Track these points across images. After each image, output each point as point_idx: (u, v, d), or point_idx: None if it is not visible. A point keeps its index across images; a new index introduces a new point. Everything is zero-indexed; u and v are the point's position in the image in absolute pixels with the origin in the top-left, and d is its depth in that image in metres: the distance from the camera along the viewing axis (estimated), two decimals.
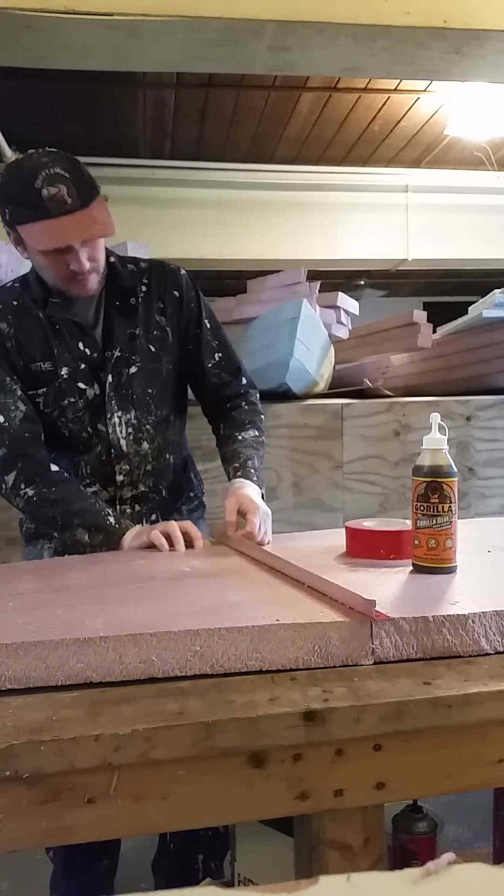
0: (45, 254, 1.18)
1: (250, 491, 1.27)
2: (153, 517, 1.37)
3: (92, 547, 1.23)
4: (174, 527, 1.21)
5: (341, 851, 0.70)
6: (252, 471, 1.32)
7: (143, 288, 1.34)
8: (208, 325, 1.40)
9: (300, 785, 0.67)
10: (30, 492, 1.24)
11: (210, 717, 0.65)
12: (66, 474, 1.29)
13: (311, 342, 1.98)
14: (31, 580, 1.07)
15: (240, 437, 1.37)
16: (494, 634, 0.79)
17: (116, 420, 1.31)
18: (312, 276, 2.25)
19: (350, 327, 2.42)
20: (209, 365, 1.39)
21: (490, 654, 0.78)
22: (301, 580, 0.95)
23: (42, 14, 1.83)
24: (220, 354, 1.40)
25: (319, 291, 2.18)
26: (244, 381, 1.44)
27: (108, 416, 1.30)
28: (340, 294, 2.31)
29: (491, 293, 2.21)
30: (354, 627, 0.76)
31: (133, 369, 1.31)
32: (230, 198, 4.39)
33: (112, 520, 1.24)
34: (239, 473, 1.30)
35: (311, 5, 1.92)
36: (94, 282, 1.24)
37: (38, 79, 2.90)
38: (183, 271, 1.40)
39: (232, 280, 3.93)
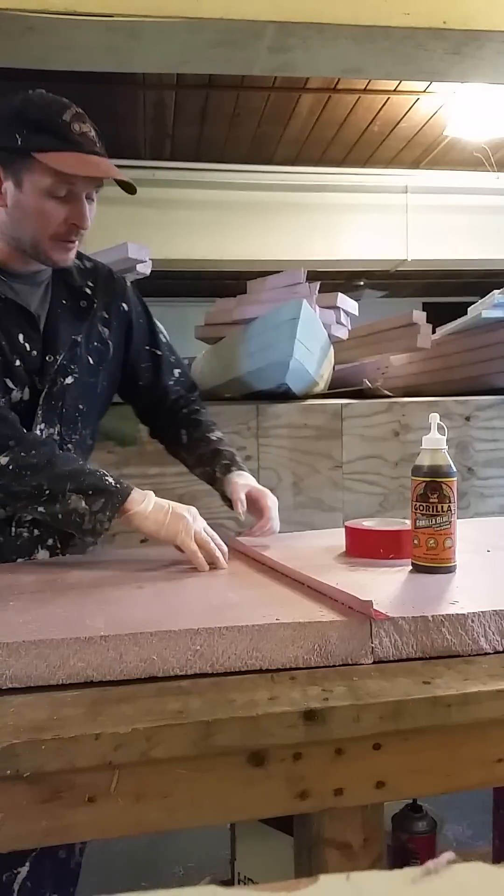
0: (53, 196, 1.05)
1: (253, 480, 1.24)
2: (49, 542, 1.20)
3: (92, 514, 1.02)
4: (211, 545, 1.05)
5: (341, 850, 0.71)
6: (243, 465, 1.27)
7: (88, 291, 1.21)
8: (164, 341, 1.33)
9: (300, 784, 0.68)
10: (3, 460, 1.03)
11: (210, 717, 0.65)
12: (43, 436, 1.13)
13: (311, 342, 1.98)
14: (31, 579, 1.08)
15: (213, 438, 1.31)
16: (494, 634, 0.79)
17: (38, 432, 1.15)
18: (312, 276, 2.25)
19: (350, 328, 2.42)
20: (170, 382, 1.33)
21: (489, 653, 0.79)
22: (300, 580, 0.95)
23: (42, 15, 1.84)
24: (178, 371, 1.35)
25: (319, 292, 2.18)
26: (196, 393, 1.39)
27: (31, 426, 1.14)
28: (340, 295, 2.31)
29: (490, 294, 2.21)
30: (354, 627, 0.76)
31: (69, 380, 1.17)
32: (230, 199, 4.39)
33: (111, 479, 1.05)
34: (233, 468, 1.24)
35: (311, 6, 1.92)
36: (74, 252, 1.14)
37: (38, 80, 2.89)
38: (129, 283, 1.30)
39: (232, 281, 3.94)
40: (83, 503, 1.02)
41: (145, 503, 1.04)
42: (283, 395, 2.07)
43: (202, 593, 0.93)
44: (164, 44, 2.00)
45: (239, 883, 1.08)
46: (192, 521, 1.04)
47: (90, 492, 1.02)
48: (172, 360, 1.34)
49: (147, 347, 1.30)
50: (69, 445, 1.19)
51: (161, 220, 4.27)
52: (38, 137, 1.03)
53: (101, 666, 0.73)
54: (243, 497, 1.18)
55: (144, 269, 2.03)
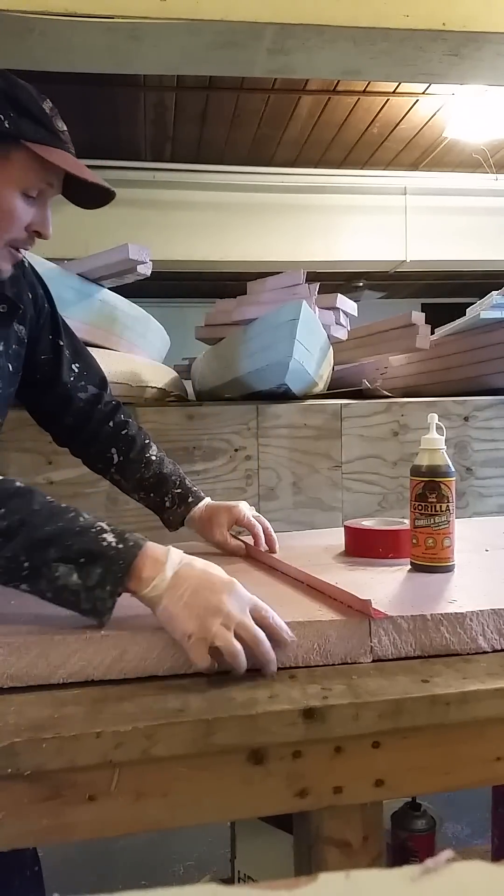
0: (25, 195, 0.91)
1: (208, 502, 1.14)
2: None
3: (88, 591, 0.73)
4: (261, 646, 0.71)
5: (340, 848, 0.71)
6: (194, 486, 1.16)
7: None
8: (66, 330, 1.15)
9: (300, 782, 0.68)
10: None
11: (210, 715, 0.65)
12: (17, 482, 0.79)
13: (311, 343, 1.98)
14: None
15: (154, 458, 1.15)
16: (492, 632, 0.79)
17: None
18: (311, 277, 2.25)
19: (349, 328, 2.42)
20: (71, 379, 1.14)
21: (488, 651, 0.79)
22: (300, 579, 0.96)
23: (43, 17, 1.84)
24: (77, 365, 1.15)
25: (318, 293, 2.19)
26: (109, 390, 1.20)
27: None
28: (339, 295, 2.32)
29: (489, 295, 2.22)
30: (353, 625, 0.77)
31: None
32: (230, 200, 4.40)
33: (111, 537, 0.74)
34: (189, 498, 1.13)
35: (311, 8, 1.93)
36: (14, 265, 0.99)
37: (39, 82, 2.90)
38: (28, 262, 1.11)
39: (232, 282, 3.95)
40: (75, 576, 0.73)
41: (160, 577, 0.73)
42: (283, 396, 2.07)
43: None
44: (164, 45, 2.01)
45: (239, 881, 1.09)
46: (234, 609, 0.72)
47: (81, 559, 0.73)
48: (69, 353, 1.14)
49: (50, 337, 1.13)
50: None
51: (161, 221, 4.28)
52: (29, 126, 0.88)
53: (101, 664, 0.73)
54: (235, 542, 1.11)
55: (145, 270, 2.04)
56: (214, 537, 1.10)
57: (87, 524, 0.76)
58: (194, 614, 0.71)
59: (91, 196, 0.99)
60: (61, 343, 1.13)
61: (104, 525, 0.76)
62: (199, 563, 0.76)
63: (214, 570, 0.76)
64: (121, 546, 0.74)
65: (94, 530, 0.75)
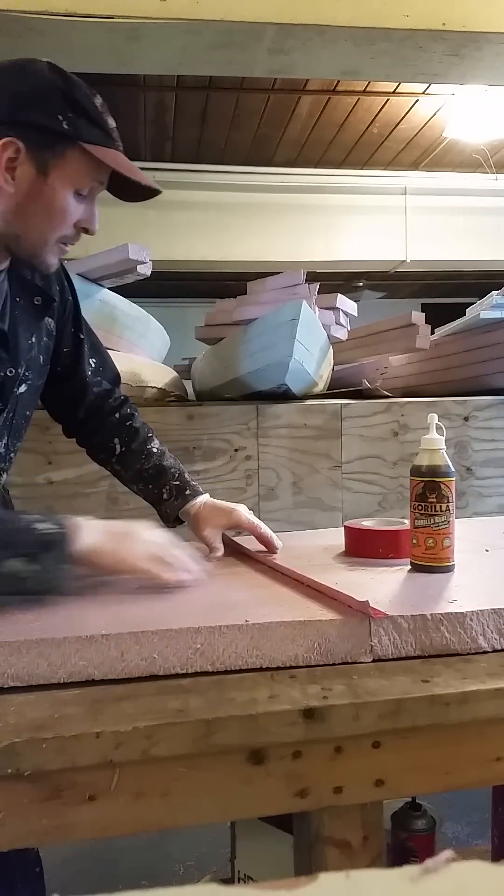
0: (77, 194, 0.92)
1: (207, 499, 1.13)
2: None
3: (45, 573, 0.83)
4: (168, 558, 0.88)
5: (340, 849, 0.71)
6: (193, 481, 1.15)
7: (29, 277, 1.04)
8: (86, 324, 1.15)
9: (300, 782, 0.68)
10: None
11: (210, 715, 0.65)
12: None
13: (311, 343, 1.98)
14: None
15: (155, 451, 1.16)
16: (492, 632, 0.79)
17: None
18: (311, 277, 2.25)
19: (349, 328, 2.42)
20: (89, 373, 1.15)
21: (488, 651, 0.79)
22: (300, 580, 0.96)
23: (43, 17, 1.84)
24: (94, 360, 1.16)
25: (318, 293, 2.19)
26: (121, 389, 1.22)
27: None
28: (339, 295, 2.32)
29: (489, 295, 2.22)
30: (353, 625, 0.77)
31: (23, 388, 1.03)
32: (230, 200, 4.40)
33: (47, 524, 0.84)
34: (187, 491, 1.12)
35: (311, 8, 1.93)
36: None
37: None
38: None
39: (232, 282, 3.95)
40: (30, 566, 0.82)
41: (95, 534, 0.85)
42: (283, 396, 2.07)
43: (203, 592, 0.94)
44: (165, 45, 2.01)
45: (239, 881, 1.09)
46: (141, 537, 0.88)
47: (30, 552, 0.82)
48: (87, 346, 1.16)
49: (72, 330, 1.14)
50: (11, 455, 1.08)
51: (161, 221, 4.29)
52: (86, 126, 0.90)
53: (102, 664, 0.73)
54: (220, 546, 1.10)
55: (145, 269, 2.04)
56: (202, 531, 1.10)
57: (13, 517, 0.86)
58: (121, 540, 0.87)
59: (133, 191, 1.00)
60: (81, 336, 1.14)
61: (33, 514, 0.86)
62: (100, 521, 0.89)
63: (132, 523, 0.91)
64: (58, 527, 0.84)
65: (23, 521, 0.85)
